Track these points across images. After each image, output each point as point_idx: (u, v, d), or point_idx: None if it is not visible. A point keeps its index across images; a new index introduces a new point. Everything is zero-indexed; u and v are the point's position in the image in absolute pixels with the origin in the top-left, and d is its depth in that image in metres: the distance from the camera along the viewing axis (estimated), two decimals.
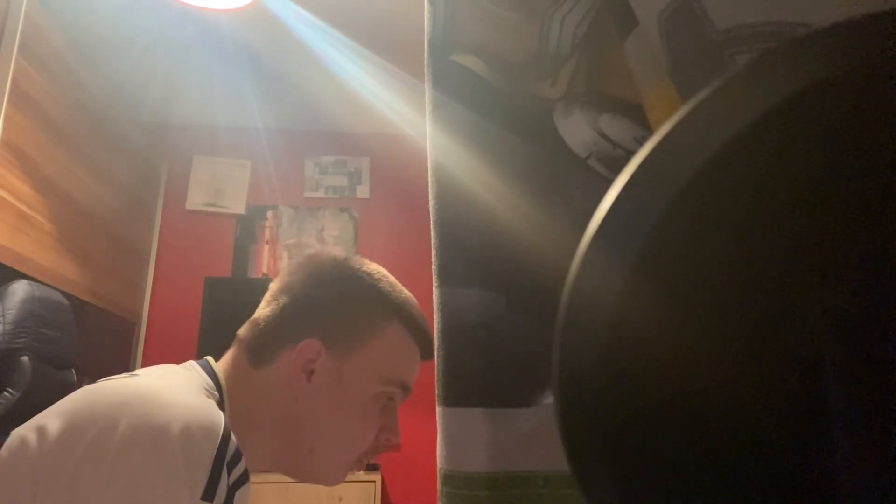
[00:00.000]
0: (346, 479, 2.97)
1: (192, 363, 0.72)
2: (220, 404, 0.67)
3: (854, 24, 0.27)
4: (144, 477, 0.50)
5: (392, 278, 0.80)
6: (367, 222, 3.33)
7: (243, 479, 0.58)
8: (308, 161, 3.39)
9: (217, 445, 0.54)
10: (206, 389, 0.66)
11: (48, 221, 2.18)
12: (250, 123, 3.26)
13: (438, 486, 0.67)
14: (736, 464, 0.31)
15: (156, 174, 3.23)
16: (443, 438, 0.68)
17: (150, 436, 0.52)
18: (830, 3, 0.62)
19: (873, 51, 0.27)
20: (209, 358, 0.74)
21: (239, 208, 3.27)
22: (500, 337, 0.69)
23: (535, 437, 0.65)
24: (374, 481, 2.58)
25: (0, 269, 1.90)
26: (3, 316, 1.78)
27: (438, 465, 0.68)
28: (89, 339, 2.30)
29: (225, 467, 0.54)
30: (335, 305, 0.75)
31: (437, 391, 0.69)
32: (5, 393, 1.69)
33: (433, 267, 0.72)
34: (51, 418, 0.54)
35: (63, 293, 2.09)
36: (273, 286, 0.78)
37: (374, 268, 0.79)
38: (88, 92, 2.51)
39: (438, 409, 0.69)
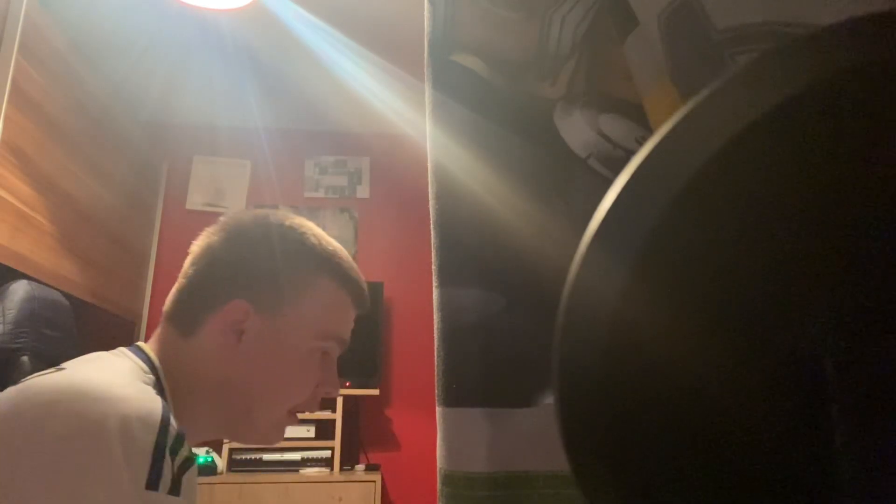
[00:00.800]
0: (347, 480, 2.93)
1: (122, 350, 0.69)
2: (159, 385, 0.66)
3: (855, 23, 0.27)
4: (84, 474, 0.49)
5: (319, 230, 0.77)
6: (366, 222, 3.33)
7: (189, 462, 0.56)
8: (308, 161, 3.39)
9: (156, 433, 0.53)
10: (141, 374, 0.65)
11: (48, 221, 2.18)
12: (250, 123, 3.26)
13: (438, 486, 0.67)
14: (736, 463, 0.31)
15: (156, 174, 3.22)
16: (443, 438, 0.68)
17: (86, 432, 0.50)
18: (830, 3, 0.62)
19: (874, 51, 0.27)
20: (140, 343, 0.72)
21: (239, 208, 3.27)
22: (500, 337, 0.69)
23: (535, 437, 0.65)
24: (374, 481, 2.58)
25: (0, 269, 1.90)
26: (3, 316, 1.78)
27: (438, 465, 0.68)
28: (89, 339, 2.30)
29: (168, 454, 0.53)
30: (259, 263, 0.72)
31: (437, 391, 0.69)
32: None
33: (433, 267, 0.72)
34: None
35: (63, 293, 2.09)
36: (193, 249, 0.75)
37: (299, 221, 0.76)
38: (88, 92, 2.51)
39: (438, 409, 0.69)
